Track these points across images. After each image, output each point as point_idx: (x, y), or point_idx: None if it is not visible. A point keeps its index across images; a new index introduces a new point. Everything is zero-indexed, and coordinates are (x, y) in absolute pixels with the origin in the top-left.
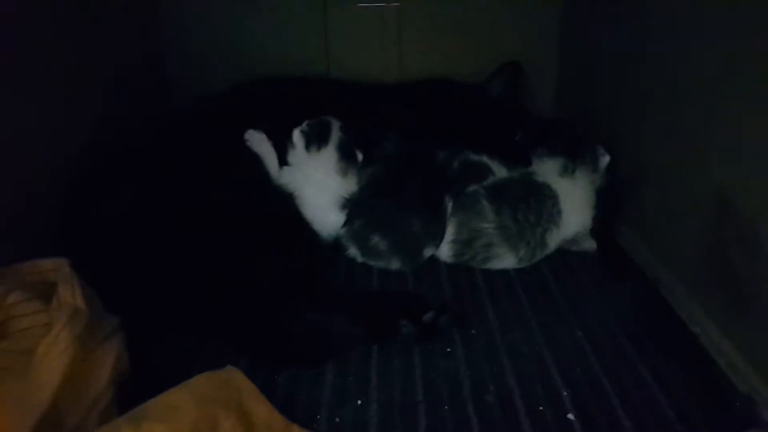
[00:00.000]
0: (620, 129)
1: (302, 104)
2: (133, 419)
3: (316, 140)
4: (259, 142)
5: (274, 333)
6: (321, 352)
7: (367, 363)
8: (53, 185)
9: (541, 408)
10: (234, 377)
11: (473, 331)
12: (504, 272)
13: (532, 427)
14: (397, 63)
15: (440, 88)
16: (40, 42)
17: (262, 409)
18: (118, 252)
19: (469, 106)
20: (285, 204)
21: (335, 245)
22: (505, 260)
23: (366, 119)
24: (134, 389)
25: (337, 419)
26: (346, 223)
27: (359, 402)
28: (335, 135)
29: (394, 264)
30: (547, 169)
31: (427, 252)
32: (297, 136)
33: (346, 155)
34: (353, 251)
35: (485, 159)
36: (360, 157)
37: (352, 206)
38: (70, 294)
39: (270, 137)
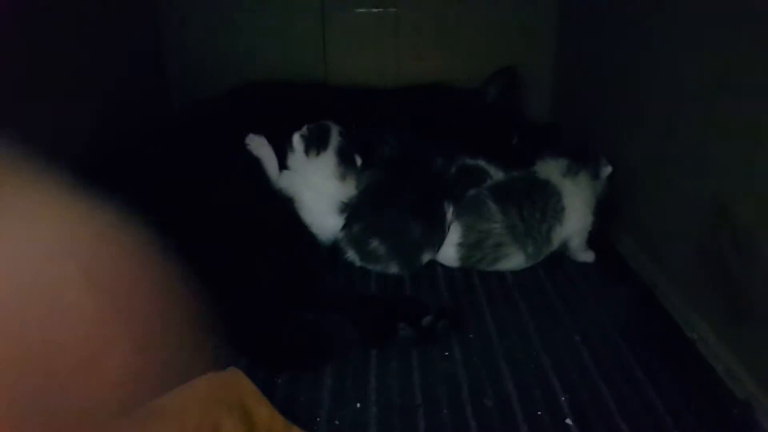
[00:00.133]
0: (616, 134)
1: (300, 108)
2: (138, 419)
3: (315, 144)
4: (259, 145)
5: (273, 336)
6: (320, 355)
7: (365, 366)
8: None
9: (539, 413)
10: (236, 378)
11: (471, 336)
12: (501, 277)
13: None
14: (395, 68)
15: (437, 93)
16: (40, 45)
17: (263, 410)
18: None
19: (466, 110)
20: (284, 207)
21: (334, 249)
22: (514, 259)
23: (364, 124)
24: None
25: (337, 422)
26: (344, 227)
27: (358, 405)
28: (334, 140)
29: (393, 268)
30: (550, 169)
31: (426, 257)
32: (297, 140)
33: (345, 160)
34: (352, 255)
35: (482, 163)
36: (359, 161)
37: (351, 210)
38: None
39: (268, 141)
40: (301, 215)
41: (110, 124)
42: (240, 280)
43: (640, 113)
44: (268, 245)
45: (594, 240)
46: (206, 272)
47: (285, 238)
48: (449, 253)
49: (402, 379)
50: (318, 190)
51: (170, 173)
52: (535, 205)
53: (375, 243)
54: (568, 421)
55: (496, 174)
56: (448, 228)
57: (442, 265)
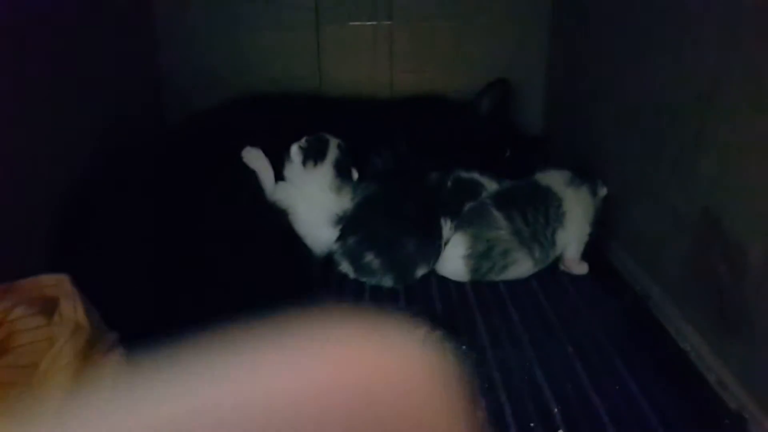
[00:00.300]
0: (608, 147)
1: (294, 120)
2: None
3: (313, 156)
4: (255, 158)
5: None
6: None
7: None
8: (52, 200)
9: (532, 424)
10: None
11: (464, 347)
12: (495, 288)
13: None
14: (388, 80)
15: (430, 104)
16: (40, 59)
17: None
18: (112, 268)
19: (459, 122)
20: (278, 219)
21: (328, 261)
22: (523, 265)
23: (358, 135)
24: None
25: None
26: (339, 239)
27: None
28: (332, 152)
29: (387, 282)
30: (553, 179)
31: (420, 271)
32: (295, 151)
33: (341, 173)
34: (346, 267)
35: (476, 176)
36: (356, 175)
37: (345, 223)
38: (72, 309)
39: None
40: (296, 227)
41: (106, 140)
42: (231, 294)
43: (632, 126)
44: (260, 257)
45: (587, 252)
46: (198, 284)
47: (278, 250)
48: (458, 267)
49: None
50: (313, 202)
51: (165, 187)
52: (538, 209)
53: (369, 256)
54: None
55: (490, 186)
56: (446, 243)
57: (437, 277)
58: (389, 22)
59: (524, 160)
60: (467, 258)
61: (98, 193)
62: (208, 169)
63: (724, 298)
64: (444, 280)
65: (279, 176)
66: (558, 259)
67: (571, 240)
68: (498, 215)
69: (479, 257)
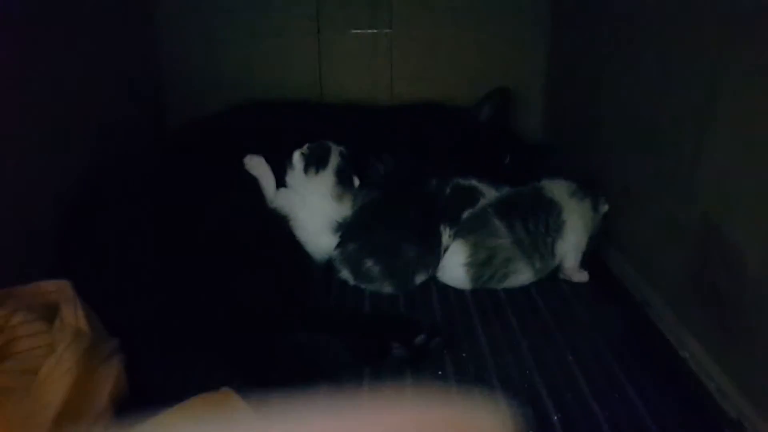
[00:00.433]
0: (607, 153)
1: (295, 127)
2: None
3: (315, 163)
4: (257, 165)
5: (265, 355)
6: (312, 374)
7: (358, 385)
8: (52, 207)
9: None
10: (229, 399)
11: (464, 355)
12: (494, 296)
13: None
14: (389, 88)
15: (430, 112)
16: (40, 64)
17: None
18: (113, 274)
19: (459, 129)
20: (279, 226)
21: (328, 267)
22: (523, 274)
23: (359, 143)
24: (132, 410)
25: None
26: (339, 246)
27: None
28: (334, 159)
29: (386, 288)
30: (557, 188)
31: (420, 278)
32: (297, 157)
33: (343, 180)
34: (346, 274)
35: (475, 183)
36: (357, 182)
37: (345, 229)
38: (73, 315)
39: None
40: (296, 233)
41: (106, 146)
42: (233, 299)
43: (631, 133)
44: (262, 264)
45: (587, 259)
46: (200, 290)
47: (279, 258)
48: (459, 274)
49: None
50: (314, 209)
51: (165, 193)
52: (539, 218)
53: (369, 263)
54: None
55: (489, 193)
56: (445, 250)
57: (436, 284)
58: (389, 30)
59: (523, 168)
60: (468, 266)
61: (100, 199)
62: (210, 175)
63: (723, 306)
64: (444, 287)
65: (280, 183)
66: (558, 268)
67: (569, 251)
68: (499, 224)
69: (480, 265)
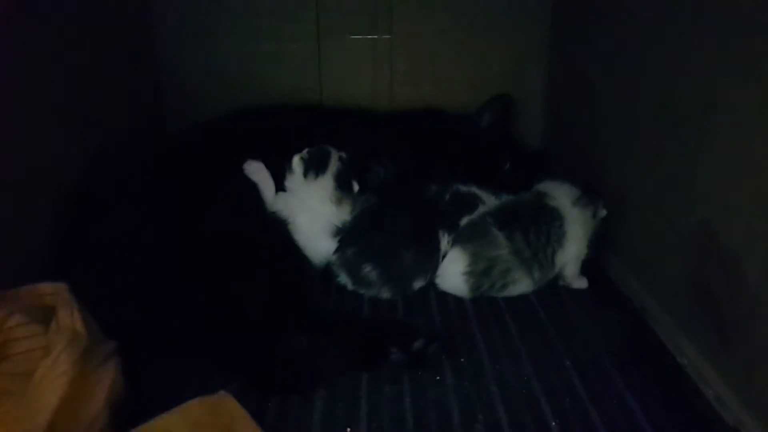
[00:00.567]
0: (606, 160)
1: (294, 132)
2: None
3: (314, 168)
4: (256, 170)
5: (264, 359)
6: (311, 379)
7: (356, 390)
8: (50, 209)
9: None
10: (226, 403)
11: (462, 360)
12: (493, 302)
13: None
14: (389, 93)
15: (430, 117)
16: (39, 68)
17: None
18: (111, 276)
19: (459, 136)
20: (278, 230)
21: (327, 272)
22: (522, 284)
23: (358, 148)
24: (129, 412)
25: None
26: (338, 251)
27: (348, 429)
28: (333, 164)
29: (385, 293)
30: (559, 195)
31: (418, 283)
32: (296, 162)
33: (342, 185)
34: (344, 279)
35: (474, 190)
36: (356, 187)
37: (344, 234)
38: (69, 318)
39: (263, 164)
40: (295, 238)
41: (106, 149)
42: (231, 303)
43: (630, 140)
44: (260, 268)
45: (586, 266)
46: (198, 294)
47: (278, 261)
48: (458, 283)
49: (393, 403)
50: (313, 213)
51: (164, 197)
52: (540, 229)
53: (367, 268)
54: None
55: (488, 200)
56: (443, 257)
57: (435, 289)
58: (389, 36)
59: (523, 174)
60: (468, 275)
61: (97, 202)
62: (208, 179)
63: (722, 313)
64: (442, 292)
65: (280, 187)
66: (557, 276)
67: (569, 260)
68: (499, 235)
69: (480, 275)
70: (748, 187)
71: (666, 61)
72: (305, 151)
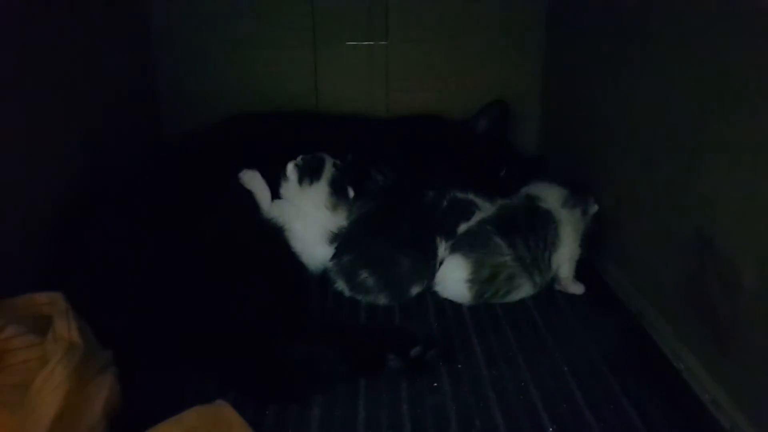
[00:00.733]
0: (602, 166)
1: (290, 139)
2: None
3: (309, 174)
4: (252, 179)
5: (261, 366)
6: (308, 386)
7: (354, 397)
8: (45, 219)
9: None
10: (223, 411)
11: (460, 366)
12: (490, 307)
13: None
14: (385, 99)
15: (427, 124)
16: (36, 73)
17: None
18: (107, 285)
19: (455, 141)
20: (274, 237)
21: (323, 278)
22: (524, 289)
23: (355, 154)
24: (126, 422)
25: None
26: (334, 257)
27: None
28: (328, 170)
29: (382, 300)
30: (552, 196)
31: (414, 290)
32: (291, 169)
33: (337, 191)
34: (341, 285)
35: (471, 196)
36: (351, 193)
37: (341, 241)
38: (66, 328)
39: (259, 170)
40: (292, 244)
41: (101, 158)
42: (228, 311)
43: (626, 145)
44: (257, 276)
45: (582, 271)
46: (194, 302)
47: (274, 269)
48: (461, 290)
49: (391, 410)
50: (309, 220)
51: (160, 204)
52: (538, 234)
53: (364, 274)
54: None
55: (484, 206)
56: (440, 264)
57: (432, 296)
58: (385, 43)
59: (520, 180)
60: (471, 283)
61: (93, 211)
62: (205, 186)
63: (717, 318)
64: (440, 299)
65: (276, 194)
66: (554, 280)
67: (563, 261)
68: (501, 242)
69: (484, 282)
70: (743, 194)
71: (662, 68)
72: (299, 158)
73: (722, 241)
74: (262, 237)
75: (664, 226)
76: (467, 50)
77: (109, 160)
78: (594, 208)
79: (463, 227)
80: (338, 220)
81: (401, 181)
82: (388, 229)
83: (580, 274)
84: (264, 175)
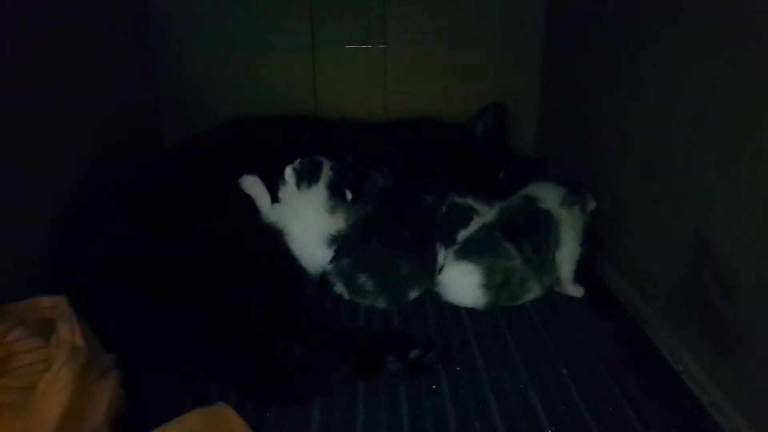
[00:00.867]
0: (601, 168)
1: (289, 143)
2: None
3: (307, 178)
4: (251, 184)
5: (261, 368)
6: (308, 388)
7: (353, 399)
8: (47, 221)
9: None
10: (225, 414)
11: (459, 369)
12: (490, 310)
13: None
14: (383, 102)
15: (425, 127)
16: (35, 80)
17: None
18: (110, 289)
19: (454, 145)
20: (274, 241)
21: (322, 281)
22: (533, 291)
23: (353, 158)
24: (128, 425)
25: None
26: (333, 260)
27: None
28: (326, 174)
29: (380, 303)
30: (550, 196)
31: (413, 294)
32: (289, 172)
33: (335, 194)
34: (340, 288)
35: (470, 201)
36: (349, 196)
37: (340, 244)
38: (69, 331)
39: (257, 174)
40: (291, 248)
41: (102, 162)
42: (228, 314)
43: (624, 148)
44: (256, 278)
45: (581, 273)
46: (195, 305)
47: (273, 271)
48: (475, 296)
49: (390, 412)
50: (308, 223)
51: (160, 208)
52: (542, 236)
53: (363, 278)
54: None
55: (483, 210)
56: (440, 270)
57: (431, 299)
58: (383, 46)
59: (518, 182)
60: (485, 288)
61: (95, 215)
62: (204, 190)
63: (716, 320)
64: (438, 302)
65: (276, 198)
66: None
67: (564, 260)
68: (509, 247)
69: (498, 287)
70: (741, 196)
71: (660, 70)
72: (297, 161)
73: (721, 243)
74: (262, 241)
75: (662, 227)
76: (465, 53)
77: (110, 165)
78: (592, 205)
79: (462, 234)
80: (337, 222)
81: (400, 184)
82: (388, 233)
83: (578, 276)
84: (263, 179)
